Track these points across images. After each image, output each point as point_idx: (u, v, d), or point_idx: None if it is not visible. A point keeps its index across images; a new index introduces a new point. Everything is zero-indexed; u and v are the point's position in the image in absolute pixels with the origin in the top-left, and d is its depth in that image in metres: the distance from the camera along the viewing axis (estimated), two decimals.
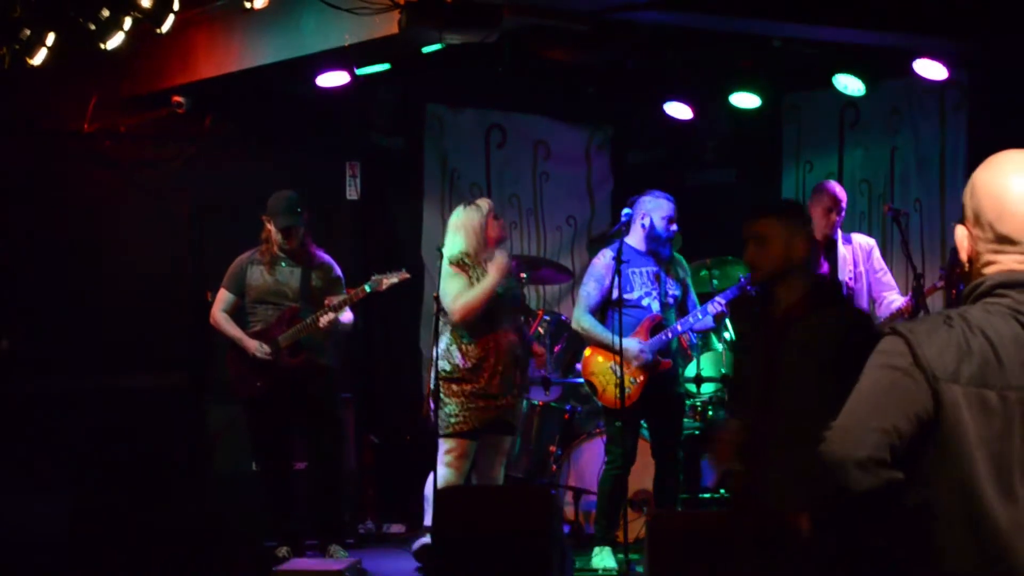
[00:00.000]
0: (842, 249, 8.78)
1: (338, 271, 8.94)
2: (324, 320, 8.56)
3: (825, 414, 2.86)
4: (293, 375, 8.76)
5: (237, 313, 8.92)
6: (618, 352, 8.25)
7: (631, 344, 8.42)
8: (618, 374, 8.29)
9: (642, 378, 8.48)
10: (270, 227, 8.81)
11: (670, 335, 8.52)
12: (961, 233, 2.87)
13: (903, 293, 8.95)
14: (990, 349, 2.70)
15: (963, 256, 2.87)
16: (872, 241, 9.00)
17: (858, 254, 8.80)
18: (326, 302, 8.63)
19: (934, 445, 2.71)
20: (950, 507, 2.69)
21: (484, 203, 8.36)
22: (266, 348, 8.70)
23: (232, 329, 8.85)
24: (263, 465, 8.98)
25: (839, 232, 8.87)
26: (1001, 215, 2.77)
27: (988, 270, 2.81)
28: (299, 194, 8.86)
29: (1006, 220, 2.77)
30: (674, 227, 8.56)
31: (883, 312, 8.66)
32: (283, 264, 8.84)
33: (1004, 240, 2.77)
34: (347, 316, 8.75)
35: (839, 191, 9.02)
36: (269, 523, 8.97)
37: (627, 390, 8.37)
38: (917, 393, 2.71)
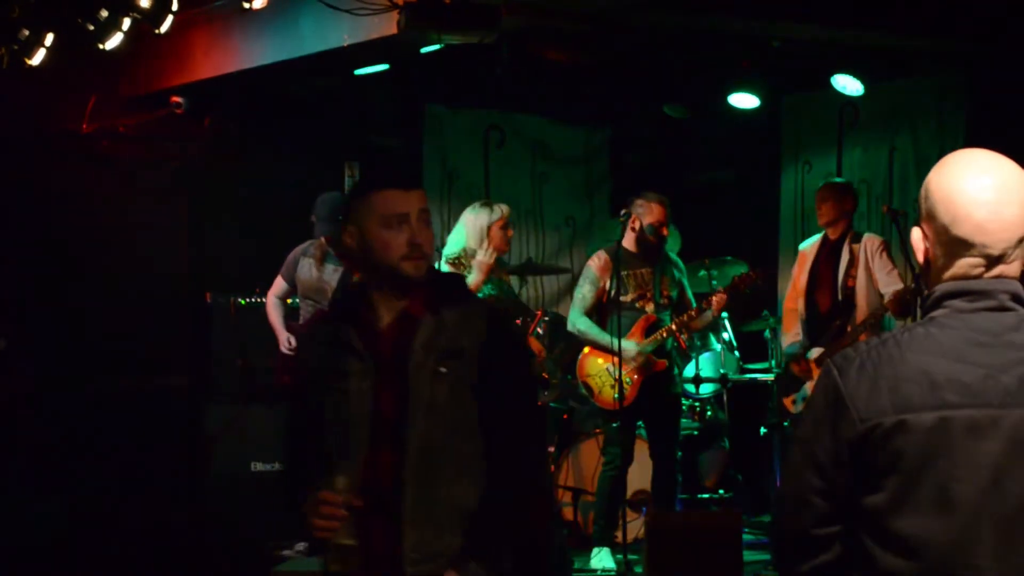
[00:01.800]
0: (846, 250, 8.73)
1: None
2: None
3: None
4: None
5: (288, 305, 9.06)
6: (614, 353, 8.26)
7: (628, 345, 8.44)
8: (614, 375, 8.31)
9: (637, 378, 8.49)
10: None
11: (665, 335, 8.54)
12: (917, 235, 2.81)
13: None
14: (922, 373, 2.65)
15: (919, 258, 2.82)
16: (878, 237, 8.90)
17: (867, 254, 8.72)
18: None
19: (875, 478, 2.66)
20: (896, 536, 2.66)
21: (499, 209, 8.37)
22: (294, 342, 8.73)
23: (275, 318, 8.96)
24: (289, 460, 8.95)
25: (849, 232, 8.80)
26: (955, 218, 2.72)
27: (944, 274, 2.77)
28: (343, 196, 8.87)
29: (960, 223, 2.71)
30: (665, 232, 8.56)
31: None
32: (331, 262, 8.88)
33: (958, 243, 2.73)
34: None
35: (848, 192, 8.95)
36: (290, 520, 8.92)
37: (627, 388, 8.44)
38: (848, 433, 2.67)
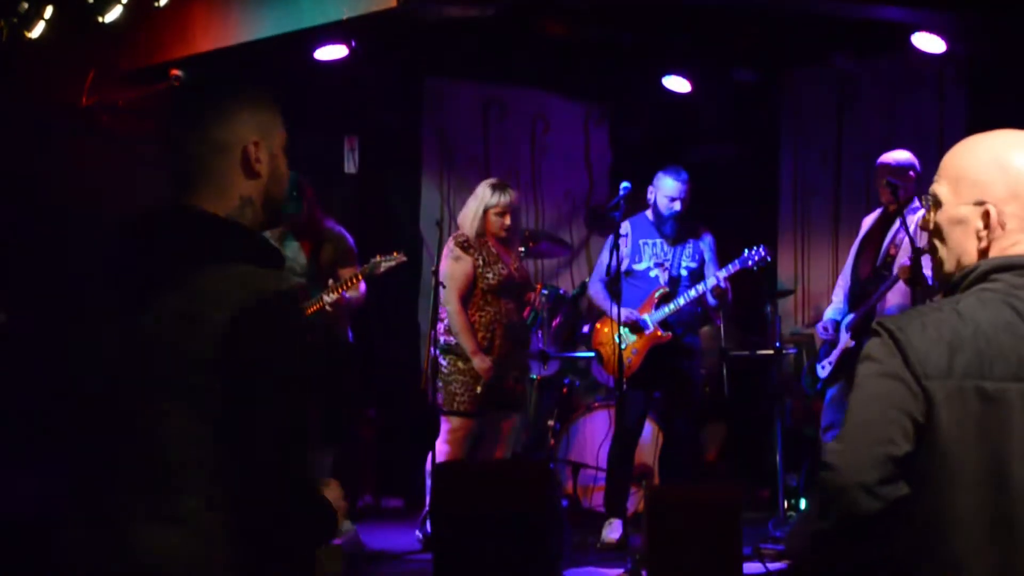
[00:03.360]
0: (898, 221, 8.62)
1: (350, 241, 8.79)
2: (328, 300, 8.49)
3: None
4: None
5: None
6: (614, 319, 8.34)
7: (626, 310, 8.48)
8: (621, 344, 8.37)
9: (641, 349, 8.51)
10: None
11: (671, 307, 8.55)
12: (985, 211, 2.79)
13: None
14: (984, 340, 2.64)
15: (980, 232, 2.80)
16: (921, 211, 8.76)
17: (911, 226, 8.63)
18: (330, 283, 8.54)
19: (927, 446, 2.65)
20: (944, 509, 2.64)
21: (503, 195, 8.34)
22: None
23: None
24: None
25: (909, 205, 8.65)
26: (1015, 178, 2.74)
27: (1014, 248, 2.75)
28: (297, 173, 8.78)
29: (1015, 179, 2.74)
30: (676, 206, 8.56)
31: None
32: (292, 239, 8.76)
33: (1013, 199, 2.73)
34: (360, 290, 8.68)
35: (892, 161, 8.70)
36: None
37: (627, 360, 8.45)
38: (912, 397, 2.64)
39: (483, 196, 8.36)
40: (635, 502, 8.87)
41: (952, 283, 2.80)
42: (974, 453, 2.61)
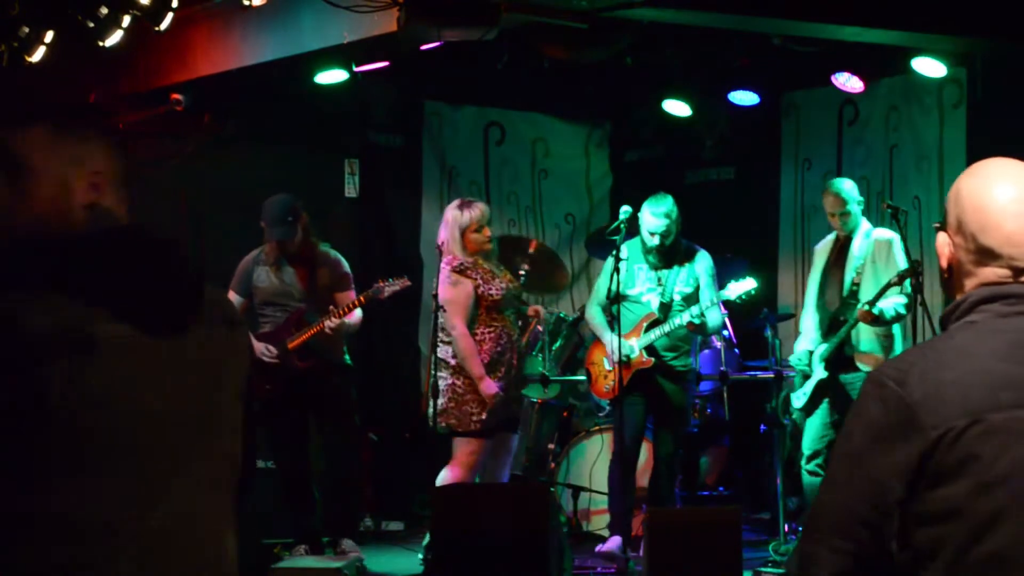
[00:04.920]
0: (855, 247, 8.68)
1: (345, 267, 8.82)
2: (329, 325, 8.49)
3: None
4: (305, 377, 8.72)
5: (248, 315, 8.81)
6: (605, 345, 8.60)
7: (611, 338, 8.59)
8: (607, 367, 8.56)
9: (625, 373, 8.55)
10: None
11: (657, 333, 8.58)
12: (943, 240, 2.77)
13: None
14: (986, 373, 2.61)
15: (943, 263, 2.79)
16: (889, 234, 8.78)
17: (876, 250, 8.66)
18: (331, 309, 8.55)
19: (954, 492, 2.61)
20: (980, 544, 2.62)
21: (471, 212, 8.31)
22: (272, 350, 8.65)
23: None
24: (281, 466, 8.92)
25: (859, 229, 8.71)
26: (984, 227, 2.70)
27: (968, 281, 2.75)
28: (292, 197, 8.76)
29: (989, 233, 2.70)
30: (656, 240, 8.57)
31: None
32: (287, 264, 8.77)
33: (986, 253, 2.71)
34: (355, 316, 8.70)
35: (840, 191, 8.81)
36: (290, 522, 8.92)
37: (612, 382, 8.60)
38: (920, 443, 2.58)
39: (454, 220, 8.31)
40: (636, 524, 8.85)
41: (942, 317, 2.80)
42: (996, 482, 2.59)
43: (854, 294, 8.55)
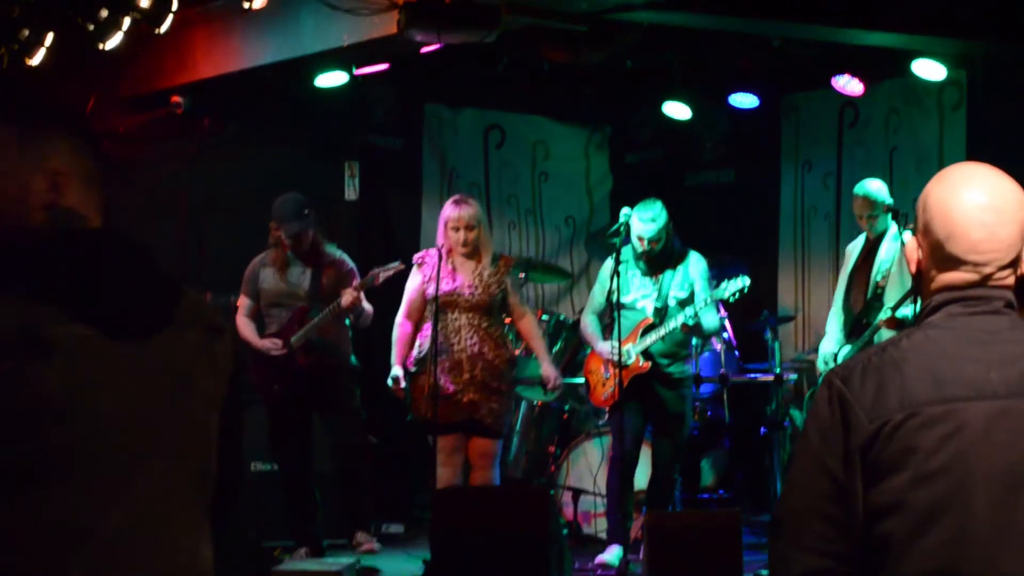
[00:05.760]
0: (883, 250, 8.68)
1: (349, 265, 8.84)
2: (344, 302, 8.49)
3: None
4: (309, 375, 8.71)
5: (256, 318, 8.88)
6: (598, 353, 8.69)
7: (603, 347, 8.67)
8: (604, 374, 8.64)
9: (621, 379, 8.56)
10: (278, 232, 8.76)
11: (652, 338, 8.58)
12: (911, 244, 2.81)
13: None
14: (927, 372, 2.64)
15: (911, 267, 2.82)
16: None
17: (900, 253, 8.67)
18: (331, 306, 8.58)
19: (903, 483, 2.62)
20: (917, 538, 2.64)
21: (460, 209, 8.34)
22: (278, 343, 8.64)
23: (247, 333, 8.79)
24: (284, 466, 8.91)
25: (889, 231, 8.71)
26: (951, 235, 2.72)
27: (934, 285, 2.77)
28: (302, 194, 8.80)
29: (955, 240, 2.72)
30: (644, 246, 8.57)
31: None
32: (294, 266, 8.78)
33: (951, 260, 2.73)
34: (366, 307, 8.71)
35: (868, 193, 8.79)
36: (290, 524, 8.91)
37: (610, 389, 8.61)
38: (858, 436, 2.64)
39: (444, 211, 8.43)
40: (636, 528, 8.85)
41: (914, 319, 2.83)
42: (935, 475, 2.62)
43: (878, 297, 8.56)
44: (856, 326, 8.64)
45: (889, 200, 8.66)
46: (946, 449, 2.61)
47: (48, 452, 2.55)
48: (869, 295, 8.61)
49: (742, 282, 8.50)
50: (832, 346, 8.76)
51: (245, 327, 8.84)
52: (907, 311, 8.30)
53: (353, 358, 8.94)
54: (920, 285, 2.83)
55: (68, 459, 2.56)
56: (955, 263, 2.73)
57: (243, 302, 8.92)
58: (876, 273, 8.62)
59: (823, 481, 2.68)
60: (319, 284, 8.75)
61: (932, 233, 2.75)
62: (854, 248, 8.91)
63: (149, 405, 2.68)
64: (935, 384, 2.64)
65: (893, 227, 8.63)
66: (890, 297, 8.45)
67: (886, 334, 8.39)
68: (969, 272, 2.73)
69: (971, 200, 2.73)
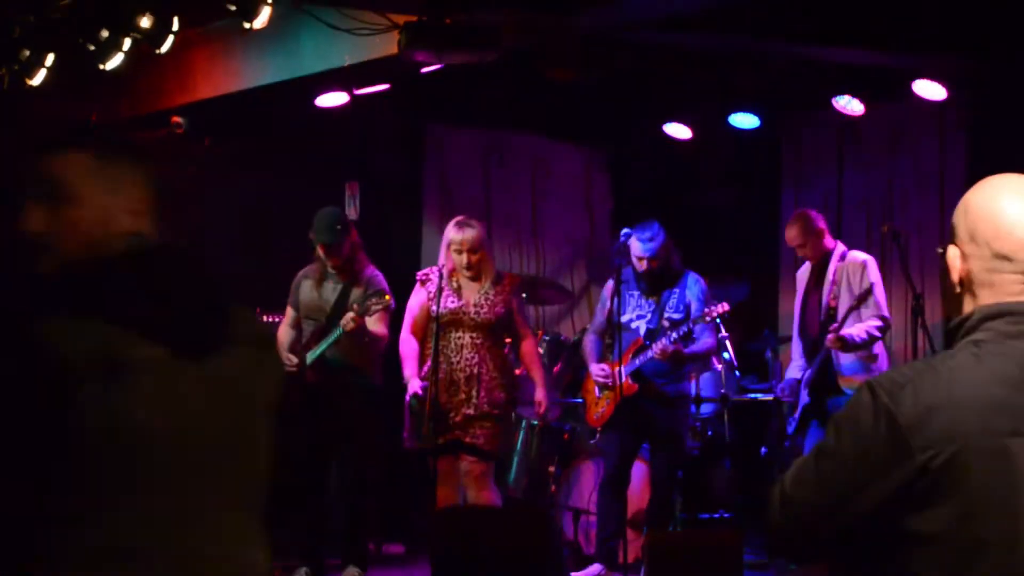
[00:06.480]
0: (829, 271, 8.79)
1: (379, 284, 8.76)
2: (344, 325, 8.46)
3: None
4: (321, 392, 8.66)
5: (296, 328, 8.92)
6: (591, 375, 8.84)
7: (595, 368, 8.83)
8: (597, 394, 8.80)
9: (612, 400, 8.61)
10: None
11: (641, 360, 8.61)
12: (953, 253, 2.75)
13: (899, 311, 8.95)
14: (976, 400, 2.57)
15: (955, 278, 2.76)
16: (862, 256, 8.87)
17: (849, 273, 8.75)
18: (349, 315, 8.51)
19: (935, 517, 2.56)
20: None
21: (459, 232, 8.35)
22: (293, 359, 8.58)
23: (283, 342, 8.79)
24: (290, 482, 8.85)
25: (834, 253, 8.82)
26: (998, 233, 2.69)
27: (981, 291, 2.73)
28: (339, 209, 8.88)
29: (1003, 238, 2.69)
30: (644, 265, 8.60)
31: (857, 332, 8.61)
32: (328, 280, 8.79)
33: (1001, 258, 2.69)
34: (379, 330, 8.66)
35: (806, 221, 8.94)
36: (293, 543, 8.86)
37: (601, 409, 8.76)
38: (905, 464, 2.58)
39: (447, 233, 8.44)
40: (635, 549, 8.84)
41: (948, 332, 2.78)
42: (983, 511, 2.57)
43: (832, 317, 8.62)
44: (814, 349, 8.73)
45: (817, 229, 8.82)
46: (994, 485, 2.55)
47: (128, 472, 2.64)
48: (823, 317, 8.70)
49: (719, 308, 8.57)
50: (796, 372, 8.89)
51: (284, 336, 8.86)
52: (854, 330, 8.42)
53: (376, 380, 8.85)
54: (961, 297, 2.76)
55: (148, 477, 2.66)
56: (1004, 261, 2.69)
57: (288, 312, 8.98)
58: (825, 294, 8.72)
59: (845, 488, 2.63)
60: (345, 301, 8.70)
61: (978, 235, 2.70)
62: (803, 273, 9.03)
63: (215, 422, 2.80)
64: (983, 416, 2.57)
65: (839, 248, 8.78)
66: (841, 317, 8.58)
67: (845, 359, 8.50)
68: (1018, 274, 2.69)
69: (1013, 203, 2.70)
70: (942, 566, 2.57)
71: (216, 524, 2.78)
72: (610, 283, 8.72)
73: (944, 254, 2.77)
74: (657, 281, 8.68)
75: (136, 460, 2.65)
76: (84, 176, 2.84)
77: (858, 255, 8.77)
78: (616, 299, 8.50)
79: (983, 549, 2.55)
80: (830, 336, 8.42)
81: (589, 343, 8.98)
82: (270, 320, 9.21)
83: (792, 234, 8.88)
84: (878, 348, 8.64)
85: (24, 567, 2.63)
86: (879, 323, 8.47)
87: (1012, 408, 2.58)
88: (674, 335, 8.48)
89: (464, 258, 8.32)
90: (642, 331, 8.68)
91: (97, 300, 2.70)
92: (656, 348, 8.48)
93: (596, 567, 8.62)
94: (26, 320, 2.66)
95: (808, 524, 2.70)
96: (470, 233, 8.35)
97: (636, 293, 8.73)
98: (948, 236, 2.79)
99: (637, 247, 8.59)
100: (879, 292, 8.62)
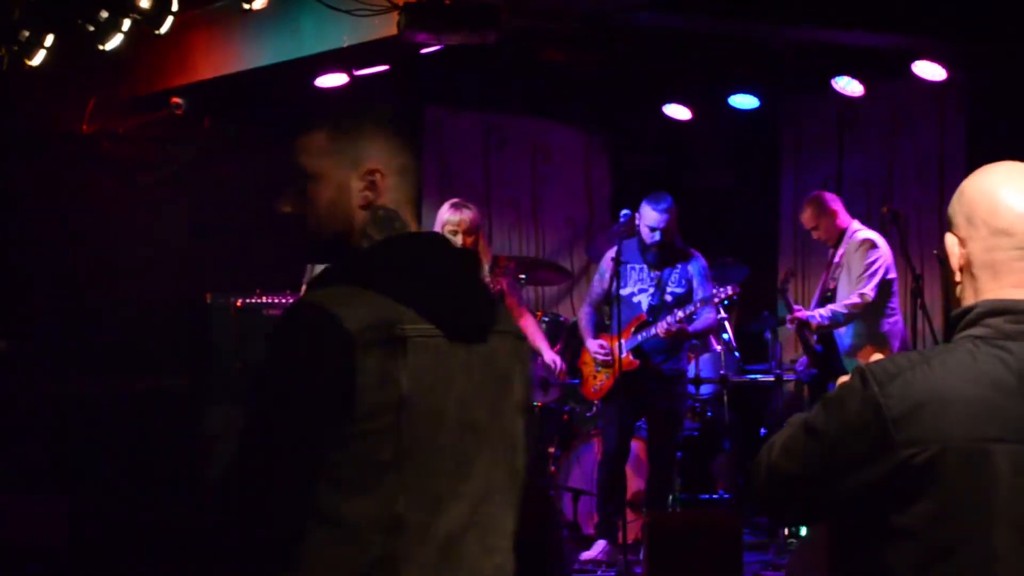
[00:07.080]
0: (837, 252, 8.83)
1: None
2: None
3: None
4: None
5: None
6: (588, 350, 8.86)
7: (592, 344, 8.83)
8: (596, 367, 8.82)
9: (611, 374, 8.62)
10: None
11: (643, 336, 8.61)
12: (951, 241, 2.71)
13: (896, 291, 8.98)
14: (966, 401, 2.55)
15: (954, 264, 2.70)
16: (866, 236, 8.88)
17: (850, 253, 8.79)
18: None
19: (913, 513, 2.56)
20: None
21: (448, 214, 8.22)
22: None
23: None
24: None
25: (846, 233, 8.85)
26: (995, 209, 2.66)
27: (983, 274, 2.70)
28: None
29: (1001, 214, 2.65)
30: (656, 236, 8.57)
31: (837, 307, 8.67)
32: None
33: (1000, 233, 2.66)
34: None
35: (818, 203, 9.03)
36: None
37: (600, 382, 8.80)
38: (886, 456, 2.57)
39: (441, 214, 8.31)
40: (635, 530, 8.85)
41: (949, 324, 2.75)
42: (962, 518, 2.57)
43: (829, 300, 8.71)
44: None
45: (831, 209, 8.86)
46: (971, 490, 2.54)
47: (399, 447, 2.68)
48: (818, 298, 8.79)
49: (727, 291, 8.57)
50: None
51: None
52: (820, 310, 8.51)
53: None
54: (959, 288, 2.74)
55: (414, 455, 2.69)
56: (1003, 236, 2.65)
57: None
58: (829, 278, 8.78)
59: (821, 468, 2.65)
60: None
61: (975, 215, 2.68)
62: (830, 257, 9.08)
63: (477, 407, 2.81)
64: (972, 418, 2.55)
65: (852, 227, 8.78)
66: (841, 296, 8.60)
67: (849, 328, 8.53)
68: (1019, 254, 2.66)
69: (1015, 182, 2.69)
70: (910, 563, 2.57)
71: (471, 513, 2.78)
72: (609, 255, 8.71)
73: (942, 246, 2.75)
74: (666, 253, 8.67)
75: (407, 437, 2.68)
76: (322, 154, 3.02)
77: (861, 235, 8.76)
78: (616, 280, 8.50)
79: (951, 551, 2.54)
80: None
81: (585, 316, 9.01)
82: (269, 301, 9.20)
83: (806, 216, 8.91)
84: (888, 325, 8.68)
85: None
86: (854, 300, 8.51)
87: (1000, 414, 2.56)
88: (680, 314, 8.46)
89: (459, 240, 8.28)
90: (644, 306, 8.67)
91: (368, 275, 2.77)
92: (660, 326, 8.48)
93: (601, 543, 8.62)
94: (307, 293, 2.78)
95: (792, 492, 2.75)
96: (466, 215, 8.30)
97: (639, 266, 8.71)
98: (945, 228, 2.77)
99: (651, 217, 8.56)
100: (870, 271, 8.63)
